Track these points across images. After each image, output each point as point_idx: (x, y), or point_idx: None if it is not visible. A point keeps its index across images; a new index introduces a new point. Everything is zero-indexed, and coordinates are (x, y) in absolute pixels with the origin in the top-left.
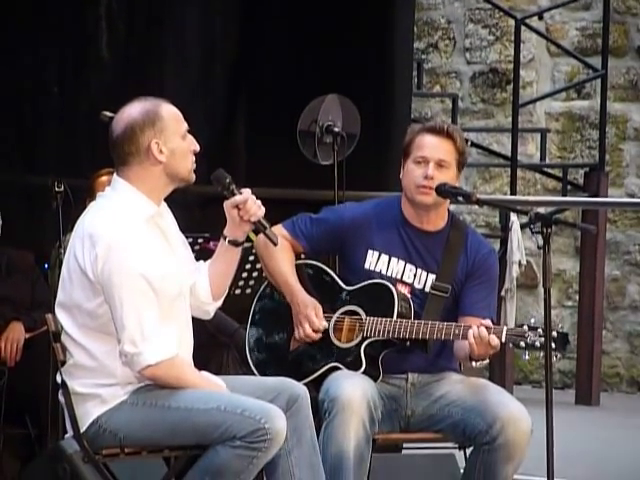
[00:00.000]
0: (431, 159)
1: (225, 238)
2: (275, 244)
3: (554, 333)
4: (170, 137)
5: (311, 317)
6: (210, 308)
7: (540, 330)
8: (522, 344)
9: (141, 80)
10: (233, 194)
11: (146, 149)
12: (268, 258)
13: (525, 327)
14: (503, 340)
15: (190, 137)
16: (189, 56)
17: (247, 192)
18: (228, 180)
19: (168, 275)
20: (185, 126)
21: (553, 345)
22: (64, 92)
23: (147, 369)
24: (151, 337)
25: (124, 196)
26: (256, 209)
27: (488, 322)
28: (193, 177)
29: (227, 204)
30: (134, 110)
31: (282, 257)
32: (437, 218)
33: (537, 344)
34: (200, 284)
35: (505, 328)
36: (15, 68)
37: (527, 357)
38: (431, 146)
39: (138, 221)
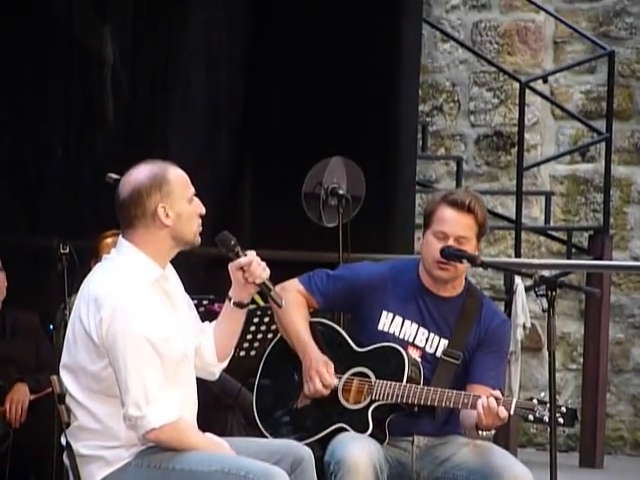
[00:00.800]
0: (451, 235)
1: (230, 300)
2: (280, 306)
3: (563, 409)
4: (177, 201)
5: (322, 372)
6: (215, 369)
7: (549, 405)
8: (530, 417)
9: (146, 142)
10: (238, 256)
11: (152, 213)
12: (282, 313)
13: (535, 401)
14: (512, 412)
15: (197, 200)
16: (194, 119)
17: (252, 254)
18: (233, 242)
19: (173, 338)
20: (192, 190)
21: (561, 420)
22: (69, 154)
23: (151, 432)
24: (155, 401)
25: (129, 259)
26: (261, 271)
27: (497, 393)
28: (199, 240)
29: (232, 266)
30: (141, 173)
31: (296, 313)
32: (454, 286)
33: (545, 419)
34: (205, 345)
35: (514, 400)
36: (19, 130)
37: (534, 429)
38: (452, 221)
39: (143, 284)
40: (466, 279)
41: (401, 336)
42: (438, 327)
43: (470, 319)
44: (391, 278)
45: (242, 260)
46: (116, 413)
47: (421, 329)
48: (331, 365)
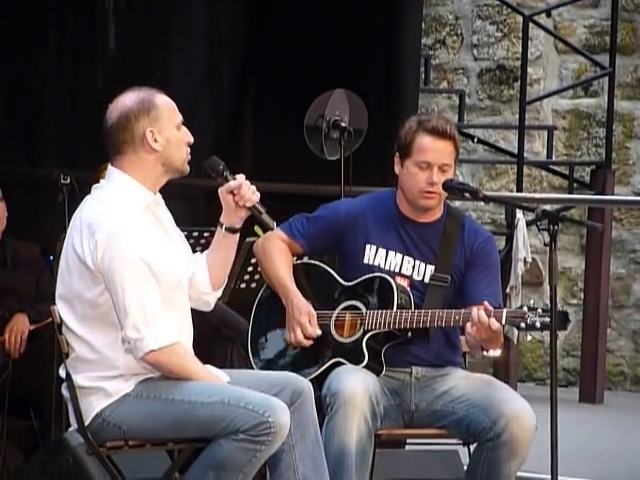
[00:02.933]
0: (435, 164)
1: (222, 226)
2: (271, 229)
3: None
4: (165, 126)
5: (304, 323)
6: (210, 298)
7: (540, 310)
8: (522, 325)
9: (145, 74)
10: (227, 180)
11: (141, 137)
12: (265, 261)
13: (525, 308)
14: (503, 322)
15: (184, 129)
16: (195, 52)
17: (241, 177)
18: (222, 166)
19: (167, 262)
20: (180, 117)
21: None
22: (69, 85)
23: (150, 354)
24: (154, 322)
25: (120, 185)
26: (251, 194)
27: (487, 304)
28: (187, 168)
29: (222, 190)
30: (128, 99)
31: (279, 259)
32: (434, 211)
33: (537, 324)
34: (199, 274)
35: (505, 310)
36: (19, 61)
37: (529, 338)
38: (434, 150)
39: (135, 209)
40: (445, 203)
41: (387, 267)
42: (422, 254)
43: (453, 241)
44: (370, 211)
45: (232, 183)
46: (114, 342)
47: (406, 258)
48: (314, 315)
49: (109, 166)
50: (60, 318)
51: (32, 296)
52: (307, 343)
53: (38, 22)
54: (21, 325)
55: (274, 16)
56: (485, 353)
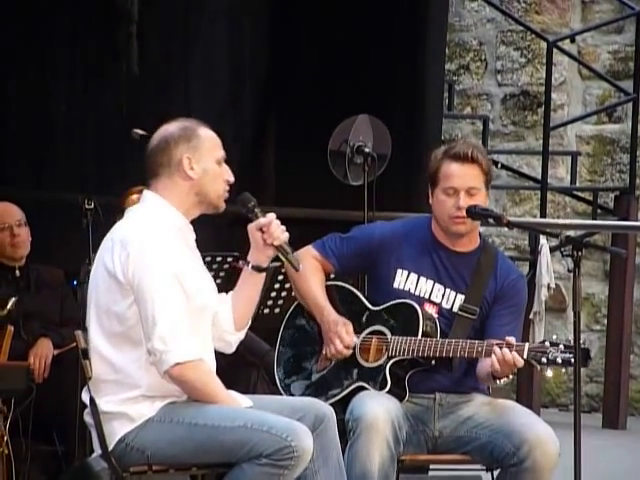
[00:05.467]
0: (461, 189)
1: (248, 264)
2: (297, 270)
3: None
4: (204, 157)
5: (342, 333)
6: (232, 339)
7: (562, 346)
8: (544, 360)
9: (167, 100)
10: (257, 217)
11: (177, 162)
12: (298, 279)
13: (547, 343)
14: (525, 356)
15: (226, 167)
16: (218, 75)
17: (272, 216)
18: (253, 203)
19: (195, 284)
20: (222, 153)
21: (573, 360)
22: (96, 110)
23: (175, 367)
24: (180, 336)
25: (154, 207)
26: (279, 233)
27: (511, 339)
28: (223, 205)
29: (251, 227)
30: (172, 126)
31: (312, 278)
32: (469, 241)
33: (559, 360)
34: (223, 314)
35: (527, 345)
36: (48, 87)
37: (550, 373)
38: (458, 175)
39: (169, 228)
40: (481, 235)
41: (417, 293)
42: (454, 282)
43: (485, 274)
44: (404, 236)
45: (261, 220)
46: (137, 360)
47: (437, 285)
48: (349, 324)
49: (144, 191)
50: (86, 342)
51: (56, 320)
52: (347, 352)
53: (59, 44)
54: (45, 350)
55: (296, 41)
56: (497, 382)
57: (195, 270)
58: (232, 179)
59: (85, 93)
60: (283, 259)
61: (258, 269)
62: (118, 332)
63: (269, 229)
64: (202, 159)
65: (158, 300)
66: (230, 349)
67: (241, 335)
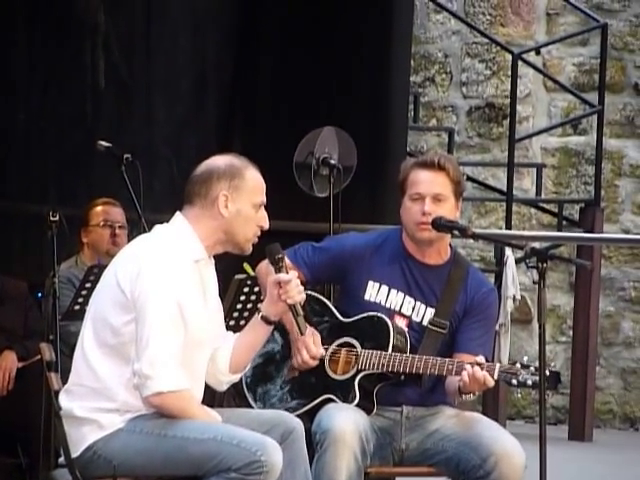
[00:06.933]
0: (427, 194)
1: (259, 312)
2: (302, 334)
3: (546, 372)
4: (242, 198)
5: (308, 344)
6: (224, 379)
7: (532, 368)
8: (514, 382)
9: (129, 107)
10: (280, 271)
11: (214, 197)
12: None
13: (518, 365)
14: (495, 377)
15: (264, 213)
16: (181, 85)
17: (293, 274)
18: (280, 255)
19: (195, 318)
20: (263, 199)
21: (545, 384)
22: (60, 121)
23: (157, 396)
24: (169, 365)
25: (179, 231)
26: (295, 293)
27: (481, 359)
28: (249, 249)
29: (271, 279)
30: (222, 159)
31: None
32: (439, 253)
33: (529, 382)
34: (221, 352)
35: (498, 365)
36: (11, 98)
37: (519, 394)
38: (425, 181)
39: (186, 257)
40: (452, 248)
41: (387, 305)
42: (424, 296)
43: (456, 287)
44: (376, 247)
45: (281, 276)
46: (119, 376)
47: (407, 298)
48: (318, 335)
49: (177, 212)
50: (51, 355)
51: (20, 333)
52: (314, 363)
53: (23, 56)
54: (9, 362)
55: (260, 51)
56: (463, 397)
57: (200, 306)
58: (266, 226)
59: (48, 104)
60: (292, 319)
61: (266, 320)
62: (110, 344)
63: (286, 286)
64: (239, 200)
65: (156, 325)
66: (221, 388)
67: (234, 378)
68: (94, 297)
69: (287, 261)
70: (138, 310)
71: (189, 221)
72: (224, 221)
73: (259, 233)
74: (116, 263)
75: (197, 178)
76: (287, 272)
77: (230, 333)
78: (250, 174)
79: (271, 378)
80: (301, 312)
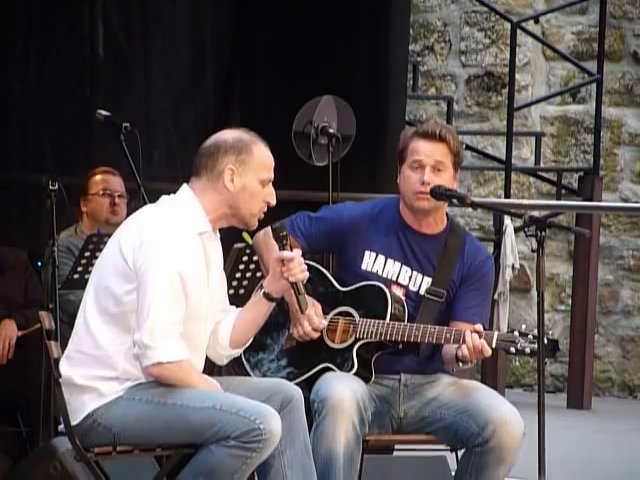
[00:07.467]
0: (427, 164)
1: (261, 288)
2: (302, 312)
3: (545, 340)
4: (248, 173)
5: (311, 315)
6: (225, 354)
7: (530, 336)
8: (512, 350)
9: (128, 80)
10: (284, 248)
11: (220, 170)
12: (266, 254)
13: (516, 333)
14: (494, 345)
15: (271, 189)
16: (179, 55)
17: (297, 252)
18: (284, 233)
19: (196, 290)
20: (271, 175)
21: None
22: (60, 90)
23: (157, 366)
24: (169, 335)
25: (185, 203)
26: (298, 271)
27: (479, 327)
28: (254, 224)
29: (274, 256)
30: (230, 133)
31: None
32: (435, 222)
33: (527, 350)
34: (223, 326)
35: (496, 334)
36: (9, 68)
37: (518, 362)
38: (425, 150)
39: (190, 230)
40: (448, 216)
41: (384, 275)
42: (421, 265)
43: (453, 256)
44: (373, 217)
45: (285, 254)
46: (120, 345)
47: (404, 267)
48: (319, 306)
49: (184, 183)
50: (50, 323)
51: (20, 302)
52: (315, 335)
53: (21, 25)
54: (9, 331)
55: (259, 22)
56: (460, 365)
57: (202, 278)
58: (273, 202)
59: (46, 73)
60: (294, 296)
61: (268, 297)
62: (111, 313)
63: (289, 264)
64: (245, 175)
65: (158, 295)
66: (221, 362)
67: (234, 353)
68: (97, 265)
69: (291, 239)
70: (140, 280)
71: (195, 193)
72: (229, 195)
73: (265, 209)
74: (120, 232)
75: (205, 150)
76: (291, 250)
77: (233, 308)
78: (258, 150)
79: (269, 347)
80: (303, 290)
